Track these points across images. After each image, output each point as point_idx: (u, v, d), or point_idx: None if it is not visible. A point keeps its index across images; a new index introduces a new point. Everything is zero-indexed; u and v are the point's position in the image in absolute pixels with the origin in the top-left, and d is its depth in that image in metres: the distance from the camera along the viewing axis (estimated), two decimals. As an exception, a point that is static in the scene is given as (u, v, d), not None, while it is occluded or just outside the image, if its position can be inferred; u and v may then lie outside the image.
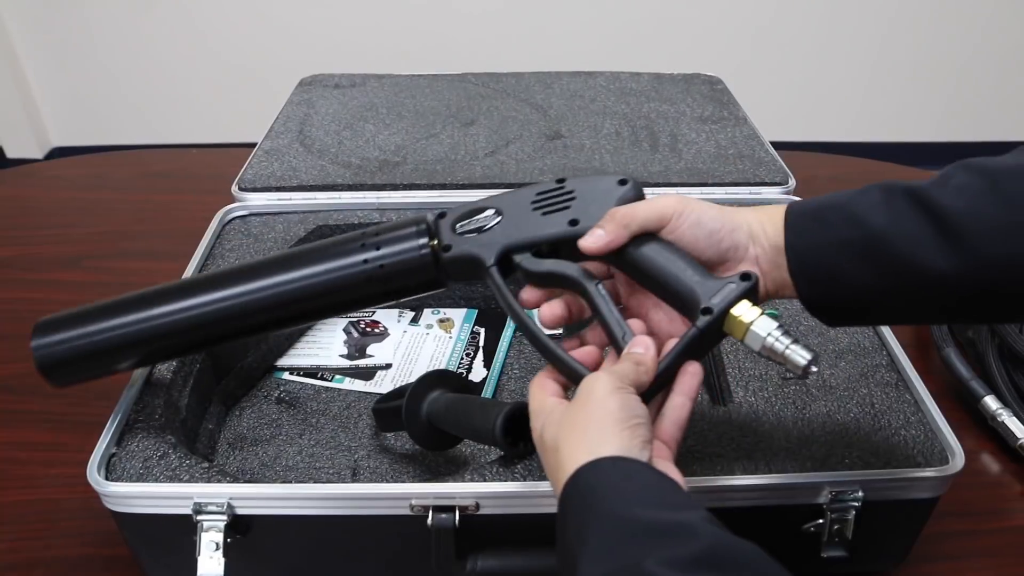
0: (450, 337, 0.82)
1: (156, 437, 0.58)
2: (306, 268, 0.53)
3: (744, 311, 0.45)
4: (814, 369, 0.44)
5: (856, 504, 0.55)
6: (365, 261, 0.52)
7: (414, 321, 0.86)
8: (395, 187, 0.89)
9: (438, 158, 0.95)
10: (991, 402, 0.74)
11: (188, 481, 0.55)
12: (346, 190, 0.88)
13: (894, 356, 0.67)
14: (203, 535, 0.54)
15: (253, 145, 0.99)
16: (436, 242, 0.52)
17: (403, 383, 0.75)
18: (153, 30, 2.44)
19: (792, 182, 0.90)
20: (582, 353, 0.48)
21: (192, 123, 2.59)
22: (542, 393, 0.47)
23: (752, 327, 0.45)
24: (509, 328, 0.82)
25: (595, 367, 0.48)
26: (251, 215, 0.85)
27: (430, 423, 0.63)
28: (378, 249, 0.52)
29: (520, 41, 2.46)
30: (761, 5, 2.44)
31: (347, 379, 0.77)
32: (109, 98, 2.57)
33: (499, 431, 0.54)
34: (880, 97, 2.62)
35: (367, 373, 0.78)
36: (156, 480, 0.55)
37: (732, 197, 0.88)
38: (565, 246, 0.50)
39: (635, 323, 0.49)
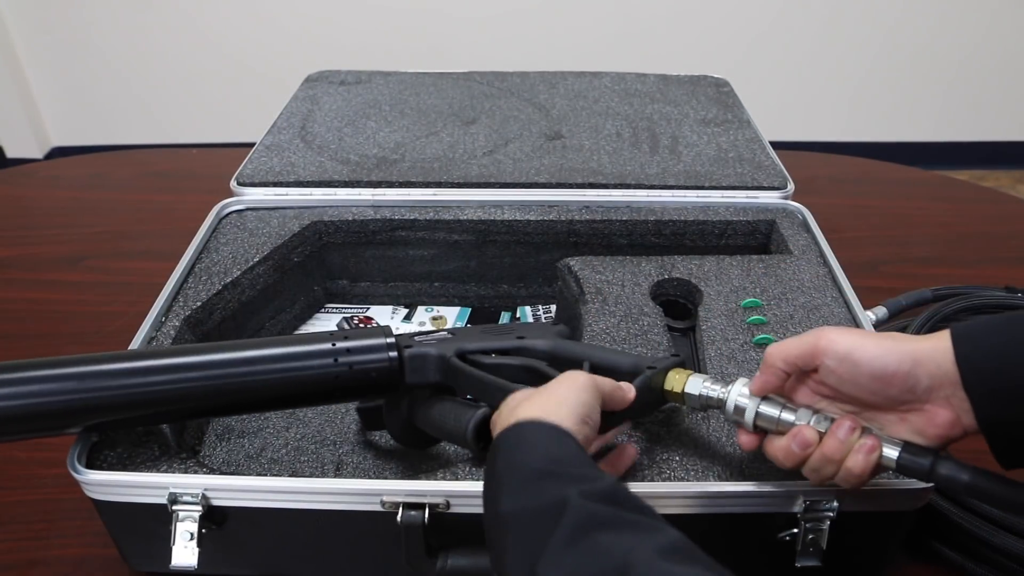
0: (441, 335, 0.83)
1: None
2: (271, 352, 0.55)
3: (675, 380, 0.55)
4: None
5: (831, 514, 0.55)
6: (335, 359, 0.55)
7: (407, 319, 0.86)
8: (391, 184, 0.89)
9: (436, 156, 0.95)
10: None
11: (165, 471, 0.56)
12: (342, 187, 0.89)
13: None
14: (178, 525, 0.54)
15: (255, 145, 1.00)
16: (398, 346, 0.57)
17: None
18: (154, 29, 2.44)
19: (790, 187, 0.89)
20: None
21: (193, 122, 2.59)
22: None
23: (686, 389, 0.55)
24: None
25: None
26: (247, 210, 0.86)
27: (410, 422, 0.63)
28: (349, 353, 0.55)
29: (528, 41, 2.46)
30: (765, 6, 2.42)
31: (336, 374, 0.78)
32: (109, 97, 2.58)
33: (470, 434, 0.54)
34: (880, 97, 2.60)
35: (356, 369, 0.78)
36: (134, 469, 0.56)
37: (728, 201, 0.87)
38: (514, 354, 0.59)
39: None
